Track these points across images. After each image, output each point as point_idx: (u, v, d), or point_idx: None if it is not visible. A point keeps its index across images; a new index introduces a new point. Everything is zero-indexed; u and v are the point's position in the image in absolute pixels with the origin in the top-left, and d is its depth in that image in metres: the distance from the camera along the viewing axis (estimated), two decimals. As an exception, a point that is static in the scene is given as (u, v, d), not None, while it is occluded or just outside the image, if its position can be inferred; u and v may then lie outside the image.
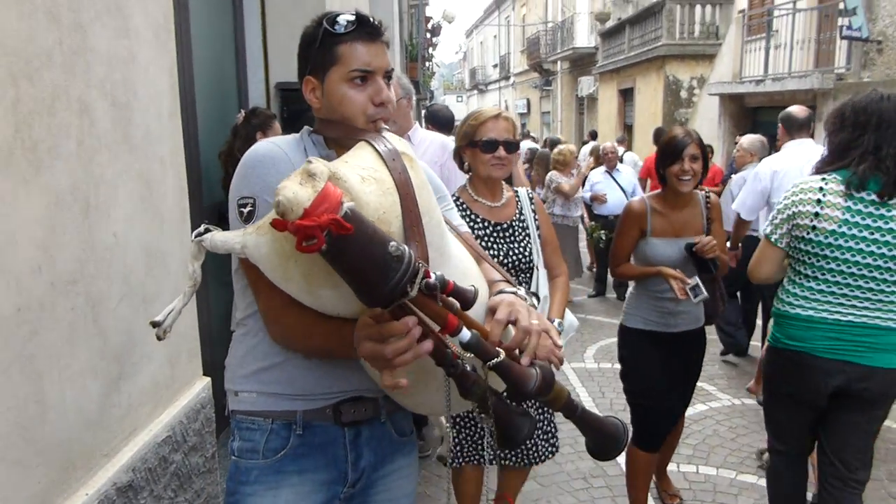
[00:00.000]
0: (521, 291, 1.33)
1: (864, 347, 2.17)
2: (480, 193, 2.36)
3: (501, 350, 1.14)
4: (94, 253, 1.78)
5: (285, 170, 1.24)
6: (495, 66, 37.72)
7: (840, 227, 2.12)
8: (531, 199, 2.49)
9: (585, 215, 7.58)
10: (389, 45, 1.38)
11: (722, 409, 4.32)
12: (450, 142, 3.44)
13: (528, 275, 2.35)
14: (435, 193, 1.36)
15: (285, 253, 1.13)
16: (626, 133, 15.76)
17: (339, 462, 1.41)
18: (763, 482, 3.35)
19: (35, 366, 1.55)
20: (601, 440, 1.31)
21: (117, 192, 1.89)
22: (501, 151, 2.26)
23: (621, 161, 8.26)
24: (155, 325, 1.20)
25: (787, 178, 3.81)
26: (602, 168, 7.40)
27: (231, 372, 1.44)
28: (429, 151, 3.17)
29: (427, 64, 21.20)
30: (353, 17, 1.33)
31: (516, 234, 2.36)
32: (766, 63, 10.25)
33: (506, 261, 2.29)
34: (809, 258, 2.20)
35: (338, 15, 1.35)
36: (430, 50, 23.27)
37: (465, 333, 1.10)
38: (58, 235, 1.64)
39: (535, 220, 2.45)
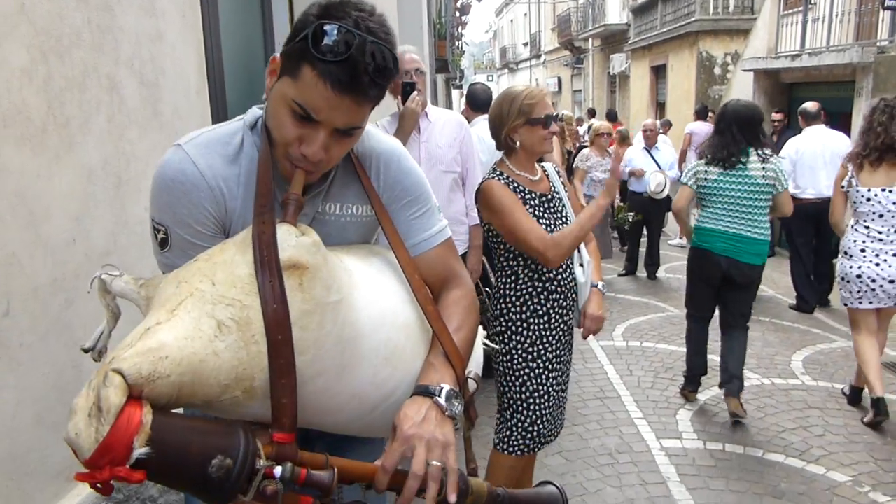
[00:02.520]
0: (445, 391, 1.09)
1: (737, 250, 3.67)
2: (522, 168, 2.42)
3: None
4: (126, 226, 1.84)
5: (199, 198, 1.09)
6: (525, 44, 37.29)
7: (716, 179, 3.69)
8: (558, 172, 2.57)
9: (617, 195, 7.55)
10: (377, 102, 1.08)
11: (750, 389, 4.29)
12: (464, 120, 3.46)
13: None
14: (401, 199, 1.25)
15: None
16: (660, 111, 15.53)
17: None
18: (789, 461, 3.36)
19: (72, 333, 1.61)
20: None
21: (147, 168, 1.94)
22: (554, 127, 2.39)
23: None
24: (87, 350, 1.14)
25: (807, 155, 5.75)
26: (641, 145, 7.36)
27: None
28: (446, 129, 3.20)
29: (457, 43, 21.05)
30: (346, 52, 0.99)
31: (556, 205, 2.43)
32: (802, 37, 9.96)
33: (554, 229, 2.35)
34: (706, 195, 3.75)
35: (340, 28, 1.00)
36: (460, 29, 23.08)
37: None
38: (91, 209, 1.69)
39: (566, 192, 2.54)
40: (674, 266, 7.88)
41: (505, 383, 2.43)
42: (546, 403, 2.42)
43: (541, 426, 2.43)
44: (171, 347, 0.90)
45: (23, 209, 1.48)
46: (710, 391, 4.24)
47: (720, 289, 3.81)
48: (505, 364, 2.41)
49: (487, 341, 1.26)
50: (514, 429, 2.44)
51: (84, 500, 1.61)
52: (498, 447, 2.47)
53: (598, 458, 3.45)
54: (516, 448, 2.44)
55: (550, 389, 2.43)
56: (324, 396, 1.05)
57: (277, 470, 0.91)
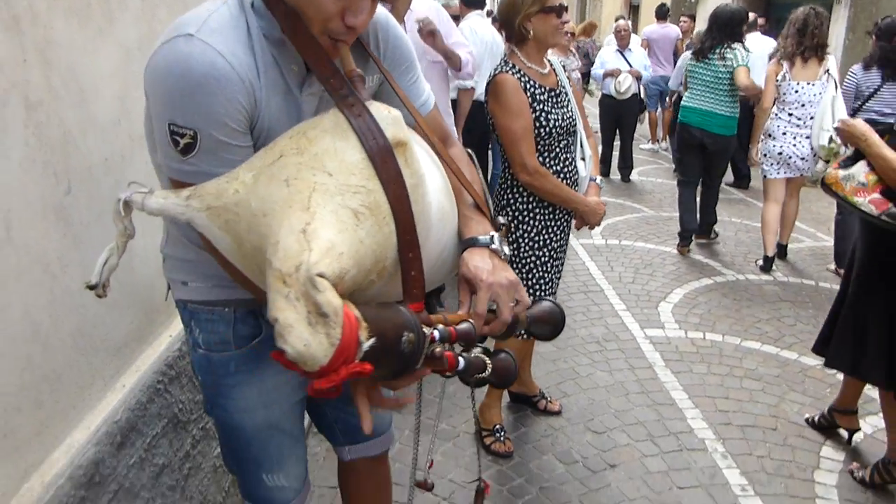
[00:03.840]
0: (496, 237, 1.20)
1: (709, 123, 4.86)
2: (533, 60, 2.39)
3: (488, 362, 1.12)
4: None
5: (234, 92, 1.01)
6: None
7: (693, 67, 4.93)
8: (563, 66, 2.58)
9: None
10: None
11: (726, 283, 4.52)
12: (441, 7, 3.44)
13: (574, 137, 2.46)
14: (400, 65, 1.26)
15: (243, 238, 0.98)
16: (633, 14, 15.24)
17: None
18: (765, 348, 3.60)
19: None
20: (552, 323, 1.30)
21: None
22: (566, 16, 2.35)
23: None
24: (91, 287, 1.10)
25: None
26: (614, 47, 7.25)
27: (175, 261, 1.31)
28: (427, 16, 3.16)
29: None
30: None
31: (562, 100, 2.42)
32: (783, -62, 9.79)
33: (561, 124, 2.37)
34: (689, 81, 5.00)
35: None
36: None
37: (460, 365, 1.07)
38: (131, 90, 1.66)
39: (570, 85, 2.54)
40: (646, 170, 8.00)
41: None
42: (550, 289, 2.55)
43: None
44: (339, 243, 0.90)
45: (74, 85, 1.45)
46: (689, 286, 4.46)
47: (702, 157, 5.02)
48: (513, 255, 2.47)
49: (501, 219, 1.32)
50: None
51: (142, 377, 1.67)
52: None
53: (586, 346, 3.63)
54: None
55: (553, 277, 2.54)
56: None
57: (436, 333, 0.98)
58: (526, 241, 2.47)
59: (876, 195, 2.18)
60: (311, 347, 0.82)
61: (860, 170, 2.24)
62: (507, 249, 1.19)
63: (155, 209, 1.01)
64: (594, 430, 2.87)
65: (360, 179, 0.96)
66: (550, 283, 2.54)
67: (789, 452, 2.72)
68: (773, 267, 4.76)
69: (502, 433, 2.75)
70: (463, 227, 1.21)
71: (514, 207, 2.45)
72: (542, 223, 2.45)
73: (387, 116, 1.02)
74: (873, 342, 2.35)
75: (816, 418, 2.88)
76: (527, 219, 2.45)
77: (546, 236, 2.47)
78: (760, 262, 4.78)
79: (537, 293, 2.51)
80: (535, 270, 2.50)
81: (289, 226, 0.90)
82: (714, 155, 5.00)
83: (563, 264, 2.63)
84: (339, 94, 1.04)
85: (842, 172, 2.28)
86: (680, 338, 3.73)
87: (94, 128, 1.51)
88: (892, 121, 3.50)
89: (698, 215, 5.16)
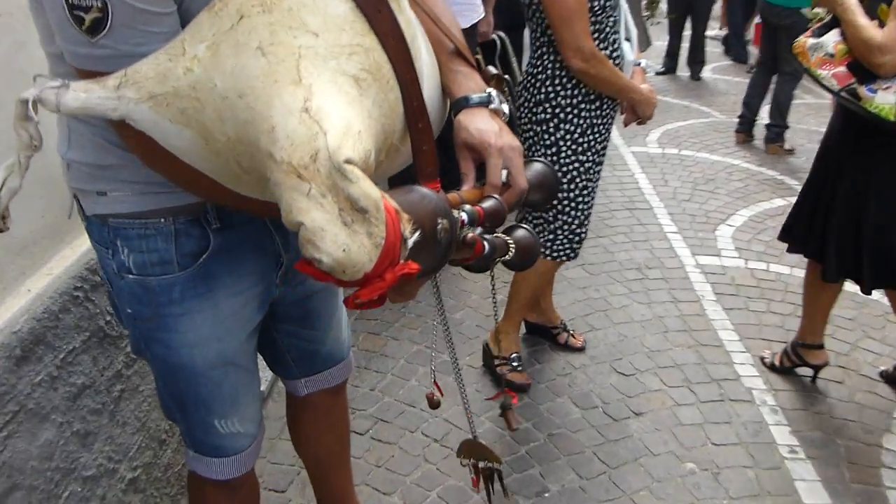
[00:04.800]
0: (493, 94, 1.12)
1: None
2: None
3: (510, 241, 1.07)
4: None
5: None
6: None
7: None
8: None
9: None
10: None
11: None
12: None
13: (617, 13, 2.30)
14: None
15: (211, 129, 0.88)
16: None
17: (267, 245, 1.30)
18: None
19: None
20: (546, 187, 1.23)
21: None
22: None
23: None
24: None
25: None
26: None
27: (84, 167, 1.16)
28: None
29: None
30: None
31: None
32: None
33: (606, 13, 2.22)
34: None
35: None
36: None
37: (487, 248, 1.02)
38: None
39: None
40: (721, 66, 7.62)
41: None
42: (592, 201, 2.45)
43: (587, 226, 2.49)
44: (354, 120, 0.82)
45: None
46: (757, 206, 4.24)
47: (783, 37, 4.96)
48: (550, 159, 2.34)
49: (491, 68, 1.20)
50: (559, 232, 2.46)
51: (54, 282, 1.58)
52: None
53: (624, 273, 3.50)
54: (561, 252, 2.49)
55: (596, 186, 2.45)
56: None
57: (464, 216, 0.93)
58: (568, 143, 2.32)
59: (841, 69, 2.22)
60: (352, 252, 0.76)
61: (830, 39, 2.26)
62: (506, 108, 1.12)
63: (75, 107, 0.89)
64: (621, 371, 2.77)
65: (353, 36, 0.88)
66: (593, 196, 2.45)
67: (855, 411, 2.57)
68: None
69: (519, 363, 2.69)
70: (449, 84, 1.12)
71: (553, 103, 2.30)
72: (588, 121, 2.31)
73: None
74: (817, 220, 2.47)
75: (893, 370, 2.73)
76: (570, 116, 2.30)
77: (591, 137, 2.34)
78: None
79: (580, 207, 2.43)
80: (578, 179, 2.38)
81: (282, 105, 0.81)
82: (779, 31, 5.02)
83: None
84: None
85: (811, 41, 2.31)
86: (738, 268, 3.57)
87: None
88: None
89: (769, 114, 5.21)
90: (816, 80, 2.30)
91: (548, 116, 2.31)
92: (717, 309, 3.20)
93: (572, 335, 2.92)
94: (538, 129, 2.34)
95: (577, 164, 2.35)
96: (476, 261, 0.99)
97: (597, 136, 2.34)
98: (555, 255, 2.49)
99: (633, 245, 3.78)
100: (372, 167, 0.83)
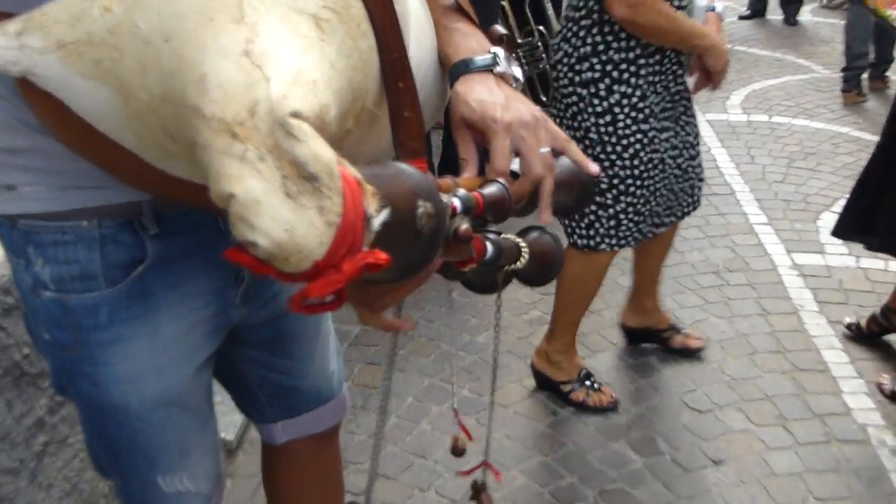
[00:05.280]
0: (500, 55, 1.13)
1: None
2: None
3: (522, 245, 1.08)
4: None
5: None
6: None
7: None
8: None
9: None
10: None
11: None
12: None
13: None
14: None
15: (132, 84, 0.87)
16: None
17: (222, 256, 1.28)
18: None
19: None
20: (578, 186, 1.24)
21: None
22: None
23: None
24: None
25: None
26: None
27: None
28: None
29: None
30: None
31: None
32: None
33: None
34: None
35: None
36: None
37: (489, 251, 1.02)
38: None
39: None
40: (824, 6, 7.58)
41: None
42: (662, 176, 2.49)
43: (654, 203, 2.53)
44: (309, 67, 0.80)
45: None
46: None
47: None
48: (604, 129, 2.38)
49: (499, 27, 1.22)
50: (622, 216, 2.50)
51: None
52: (591, 242, 2.56)
53: (697, 279, 3.52)
54: (629, 236, 2.55)
55: (665, 157, 2.48)
56: None
57: (456, 202, 0.91)
58: (626, 109, 2.36)
59: None
60: (297, 232, 0.71)
61: None
62: (518, 71, 1.13)
63: None
64: (694, 406, 2.78)
65: None
66: (662, 169, 2.48)
67: None
68: None
69: (592, 379, 2.79)
70: (445, 46, 1.14)
71: (604, 58, 2.34)
72: (647, 81, 2.35)
73: None
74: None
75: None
76: (624, 76, 2.35)
77: (651, 100, 2.38)
78: None
79: (646, 185, 2.46)
80: (642, 153, 2.42)
81: (217, 48, 0.79)
82: None
83: (689, 152, 2.60)
84: None
85: None
86: (847, 268, 3.57)
87: None
88: None
89: (872, 48, 5.29)
90: (885, 20, 2.57)
91: (597, 76, 2.33)
92: (822, 322, 3.21)
93: (688, 335, 3.02)
94: (584, 92, 2.36)
95: (639, 136, 2.38)
96: (475, 267, 0.99)
97: (657, 98, 2.39)
98: (621, 243, 2.54)
99: (708, 242, 3.78)
100: (330, 128, 0.80)
